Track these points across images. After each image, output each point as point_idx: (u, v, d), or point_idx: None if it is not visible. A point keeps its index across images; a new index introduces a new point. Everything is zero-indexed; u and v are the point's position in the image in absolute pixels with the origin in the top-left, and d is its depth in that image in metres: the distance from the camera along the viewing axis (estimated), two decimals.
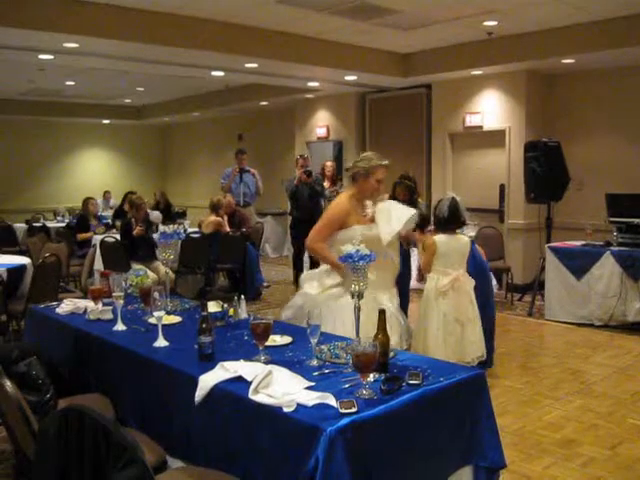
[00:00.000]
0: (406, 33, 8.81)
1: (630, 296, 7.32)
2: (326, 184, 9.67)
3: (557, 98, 9.95)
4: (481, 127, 10.20)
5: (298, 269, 9.65)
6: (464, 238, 5.16)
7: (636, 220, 7.46)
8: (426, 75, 10.27)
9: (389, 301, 4.18)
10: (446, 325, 4.91)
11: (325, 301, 4.05)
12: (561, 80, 9.86)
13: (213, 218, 9.12)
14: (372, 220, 4.21)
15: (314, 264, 9.40)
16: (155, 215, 9.62)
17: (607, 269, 7.47)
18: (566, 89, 9.87)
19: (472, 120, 10.27)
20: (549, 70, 9.64)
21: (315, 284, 4.24)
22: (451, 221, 5.17)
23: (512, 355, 6.62)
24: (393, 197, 6.64)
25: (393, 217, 4.18)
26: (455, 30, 8.64)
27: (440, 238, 5.09)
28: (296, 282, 9.56)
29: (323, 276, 4.23)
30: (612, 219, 7.66)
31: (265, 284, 9.48)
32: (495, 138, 10.02)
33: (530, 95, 9.74)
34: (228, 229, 9.25)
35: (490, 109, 10.10)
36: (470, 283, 5.08)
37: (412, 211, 4.30)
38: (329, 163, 10.00)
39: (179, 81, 12.05)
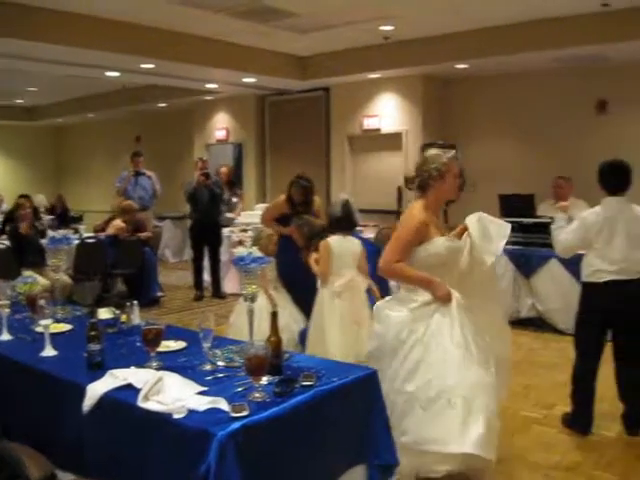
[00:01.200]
0: (304, 36, 8.86)
1: (523, 293, 7.56)
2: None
3: (452, 102, 10.21)
4: (379, 130, 10.36)
5: (198, 273, 9.54)
6: (355, 240, 5.19)
7: (526, 220, 7.71)
8: (324, 78, 10.36)
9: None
10: (343, 326, 4.91)
11: (422, 320, 3.55)
12: (456, 84, 10.12)
13: (117, 222, 8.89)
14: (448, 230, 3.86)
15: (215, 269, 9.36)
16: (40, 199, 9.27)
17: (500, 267, 7.65)
18: (461, 93, 10.14)
19: (370, 123, 10.42)
20: (444, 75, 9.89)
21: (403, 308, 3.65)
22: (344, 222, 5.19)
23: None
24: (289, 198, 6.60)
25: (493, 233, 3.76)
26: (352, 34, 8.74)
27: (333, 240, 5.10)
28: (196, 286, 9.48)
29: (405, 299, 3.69)
30: (504, 219, 7.88)
31: (159, 294, 9.29)
32: (392, 141, 10.20)
33: (426, 99, 9.96)
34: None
35: (387, 112, 10.26)
36: (364, 284, 5.11)
37: (508, 225, 3.88)
38: (223, 169, 9.94)
39: (74, 81, 11.70)
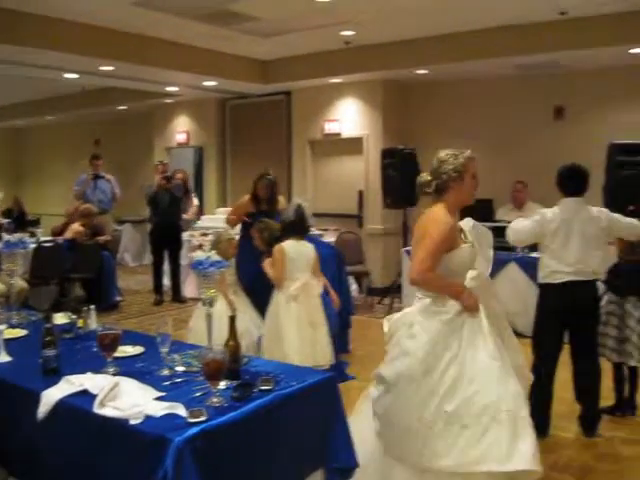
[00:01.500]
0: (265, 40, 8.85)
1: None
2: None
3: (413, 106, 10.28)
4: (340, 134, 10.39)
5: (158, 277, 9.47)
6: (308, 244, 5.20)
7: (485, 224, 7.77)
8: (286, 82, 10.36)
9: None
10: (301, 329, 4.92)
11: (454, 333, 3.28)
12: (416, 89, 10.19)
13: (75, 226, 8.78)
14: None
15: (175, 273, 9.30)
16: None
17: None
18: (421, 98, 10.22)
19: (331, 128, 10.44)
20: (404, 80, 9.95)
21: (433, 321, 3.33)
22: (297, 226, 5.22)
23: (371, 357, 6.70)
24: (254, 196, 6.61)
25: (483, 240, 3.63)
26: (313, 39, 8.76)
27: (288, 244, 5.12)
28: (156, 290, 9.40)
29: (434, 310, 3.36)
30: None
31: (118, 298, 9.20)
32: (353, 145, 10.23)
33: (386, 103, 10.01)
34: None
35: (348, 117, 10.30)
36: (318, 288, 5.13)
37: (490, 232, 3.77)
38: (179, 175, 9.90)
39: (31, 83, 11.53)
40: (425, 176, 3.61)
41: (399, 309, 8.19)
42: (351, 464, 3.12)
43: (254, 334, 5.25)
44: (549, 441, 4.54)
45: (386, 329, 3.60)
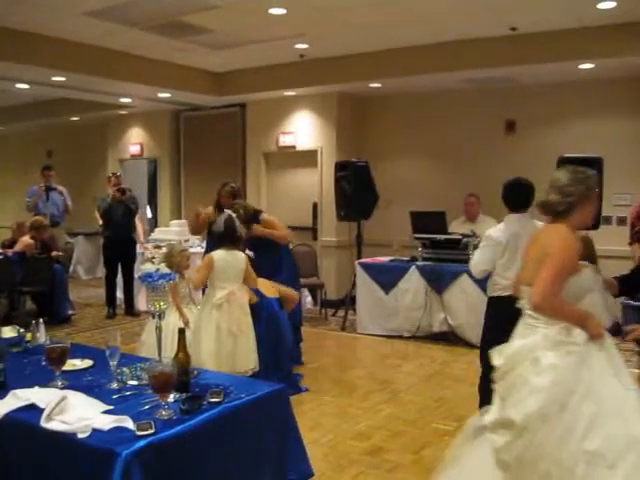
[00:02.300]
0: (220, 52, 8.84)
1: (434, 308, 7.72)
2: None
3: (367, 120, 10.36)
4: (294, 147, 10.42)
5: (111, 290, 9.37)
6: (240, 254, 5.24)
7: (439, 236, 7.89)
8: (240, 94, 10.36)
9: None
10: (219, 336, 4.94)
11: (583, 364, 2.99)
12: (370, 103, 10.28)
13: (26, 238, 8.63)
14: None
15: (128, 286, 9.20)
16: None
17: (413, 283, 7.84)
18: (375, 111, 10.30)
19: (286, 140, 10.47)
20: (358, 93, 10.02)
21: (561, 353, 3.03)
22: (227, 237, 5.24)
23: (324, 369, 6.77)
24: (217, 205, 6.76)
25: None
26: (268, 51, 8.78)
27: (217, 254, 5.15)
28: (109, 303, 9.30)
29: (560, 340, 3.05)
30: (417, 235, 8.05)
31: (70, 312, 9.08)
32: (308, 158, 10.26)
33: (341, 116, 10.08)
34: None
35: (303, 129, 10.34)
36: (245, 297, 5.16)
37: None
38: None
39: None
40: (549, 194, 3.25)
41: (353, 322, 8.31)
42: (307, 473, 3.15)
43: None
44: None
45: (498, 363, 3.29)
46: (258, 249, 6.49)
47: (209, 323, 5.01)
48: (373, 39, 8.20)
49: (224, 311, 4.99)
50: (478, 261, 4.87)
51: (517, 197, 4.74)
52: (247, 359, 5.07)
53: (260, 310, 5.64)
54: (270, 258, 6.55)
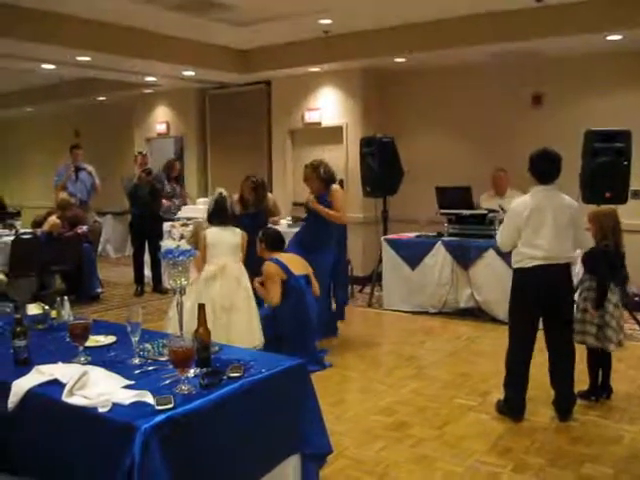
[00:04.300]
0: (243, 29, 8.81)
1: (461, 284, 7.69)
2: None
3: (391, 95, 10.28)
4: (320, 123, 10.39)
5: (139, 268, 9.45)
6: (236, 230, 5.26)
7: (464, 211, 7.83)
8: (265, 72, 10.33)
9: None
10: (213, 310, 4.89)
11: None
12: (395, 78, 10.19)
13: (52, 218, 8.73)
14: None
15: (155, 264, 9.27)
16: None
17: (439, 259, 7.80)
18: (399, 87, 10.22)
19: (311, 116, 10.44)
20: (383, 68, 9.95)
21: None
22: (216, 215, 5.28)
23: (350, 345, 6.78)
24: (241, 196, 6.95)
25: None
26: (292, 27, 8.74)
27: (210, 230, 5.20)
28: (137, 281, 9.39)
29: None
30: (442, 211, 8.00)
31: (99, 290, 9.18)
32: (333, 134, 10.23)
33: (366, 92, 10.02)
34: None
35: (328, 106, 10.30)
36: (241, 271, 5.15)
37: None
38: (177, 164, 10.16)
39: (8, 74, 11.44)
40: None
41: (380, 298, 8.31)
42: (325, 450, 3.16)
43: None
44: (523, 426, 4.59)
45: None
46: (312, 222, 6.63)
47: (204, 297, 4.89)
48: (397, 13, 8.11)
49: (217, 282, 4.99)
50: (503, 235, 4.84)
51: (544, 168, 4.66)
52: (245, 336, 4.99)
53: (287, 288, 5.68)
54: (318, 234, 6.60)
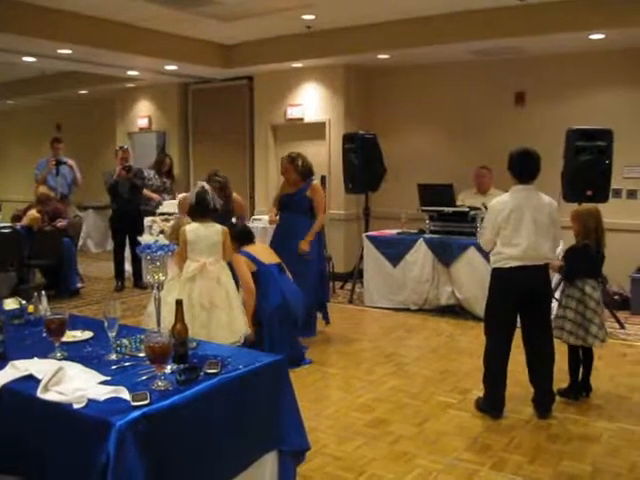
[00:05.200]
0: (226, 24, 8.75)
1: (442, 281, 7.70)
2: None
3: (375, 91, 10.28)
4: (302, 119, 10.36)
5: (119, 263, 9.40)
6: (215, 226, 5.12)
7: (446, 208, 7.84)
8: (248, 67, 10.28)
9: None
10: (191, 309, 4.80)
11: None
12: (377, 74, 10.18)
13: (32, 212, 8.65)
14: None
15: (136, 259, 9.21)
16: None
17: (420, 256, 7.81)
18: (383, 83, 10.21)
19: (293, 112, 10.41)
20: (366, 64, 9.93)
21: None
22: (198, 209, 5.08)
23: (331, 342, 6.77)
24: None
25: None
26: (275, 23, 8.69)
27: (190, 227, 5.04)
28: (117, 277, 9.33)
29: None
30: (424, 208, 8.00)
31: (79, 285, 9.12)
32: (316, 130, 10.20)
33: (348, 88, 10.00)
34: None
35: (311, 102, 10.27)
36: (220, 270, 5.05)
37: None
38: (168, 160, 10.10)
39: None
40: None
41: (361, 295, 8.31)
42: (303, 446, 3.15)
43: None
44: (503, 423, 4.61)
45: None
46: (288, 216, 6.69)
47: (182, 295, 4.90)
48: (380, 10, 8.08)
49: (196, 283, 4.94)
50: (485, 234, 4.84)
51: (523, 167, 4.68)
52: (225, 330, 4.92)
53: (259, 277, 5.71)
54: (295, 225, 6.66)
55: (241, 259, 5.71)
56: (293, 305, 5.82)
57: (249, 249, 5.90)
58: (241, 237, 5.92)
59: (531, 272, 4.57)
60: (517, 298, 4.63)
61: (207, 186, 5.13)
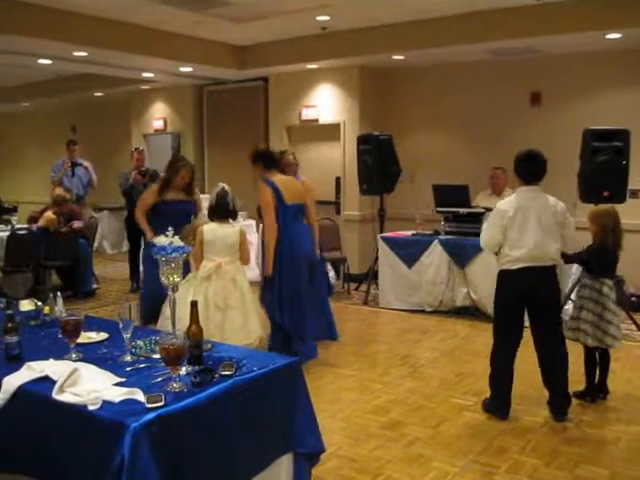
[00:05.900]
0: (241, 25, 8.77)
1: (457, 282, 7.66)
2: None
3: (389, 93, 10.26)
4: (317, 120, 10.36)
5: (134, 264, 9.41)
6: (234, 227, 5.14)
7: (461, 210, 7.81)
8: (263, 68, 10.30)
9: None
10: (207, 309, 4.84)
11: None
12: (392, 75, 10.17)
13: (48, 214, 8.70)
14: None
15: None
16: None
17: (435, 257, 7.78)
18: (397, 84, 10.20)
19: (308, 113, 10.41)
20: (381, 65, 9.92)
21: None
22: (218, 210, 5.12)
23: (346, 343, 6.75)
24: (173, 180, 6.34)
25: None
26: (290, 24, 8.70)
27: (208, 226, 5.07)
28: (132, 278, 9.35)
29: None
30: (439, 209, 7.98)
31: (94, 286, 9.16)
32: (331, 131, 10.20)
33: (363, 89, 9.98)
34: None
35: (325, 103, 10.27)
36: (236, 270, 5.06)
37: None
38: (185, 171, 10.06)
39: (5, 69, 11.39)
40: None
41: (376, 296, 8.29)
42: (318, 449, 3.14)
43: None
44: (518, 425, 4.57)
45: None
46: None
47: (198, 294, 4.87)
48: (395, 10, 8.07)
49: (212, 283, 4.94)
50: (487, 233, 4.81)
51: (528, 169, 4.67)
52: (240, 332, 4.92)
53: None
54: None
55: (268, 191, 5.59)
56: (301, 256, 5.73)
57: (276, 180, 5.70)
58: (266, 159, 5.80)
59: (537, 273, 4.56)
60: (523, 298, 4.61)
61: (227, 187, 5.13)
